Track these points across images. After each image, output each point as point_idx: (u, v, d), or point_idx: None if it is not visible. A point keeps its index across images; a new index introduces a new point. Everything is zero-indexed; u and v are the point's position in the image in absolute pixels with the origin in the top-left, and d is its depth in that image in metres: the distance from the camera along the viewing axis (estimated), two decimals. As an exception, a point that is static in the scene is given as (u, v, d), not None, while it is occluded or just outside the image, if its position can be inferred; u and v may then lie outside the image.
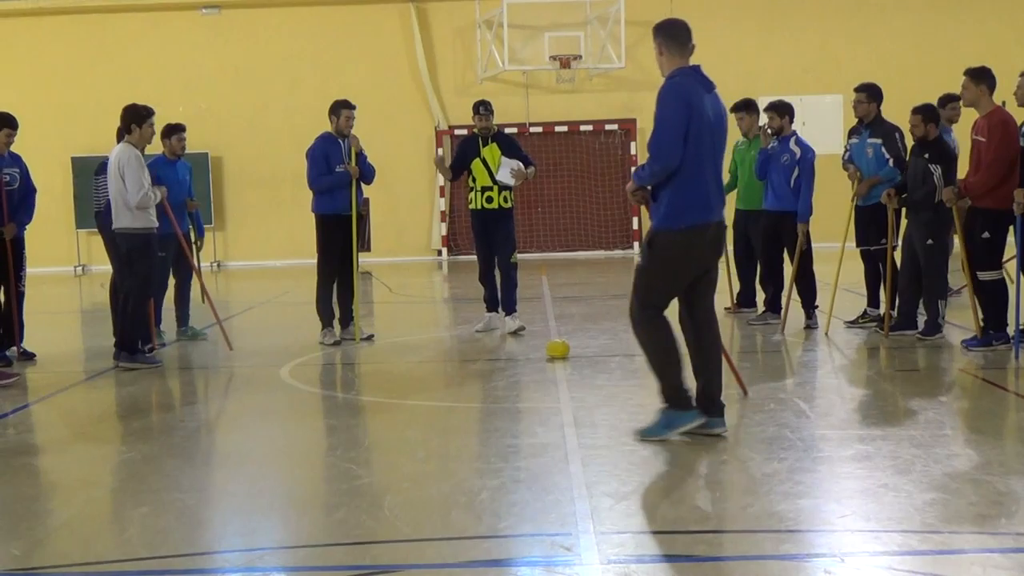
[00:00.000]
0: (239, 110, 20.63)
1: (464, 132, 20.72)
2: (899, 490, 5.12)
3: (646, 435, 6.17)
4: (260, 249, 20.73)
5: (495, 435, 6.58)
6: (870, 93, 10.10)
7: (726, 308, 11.07)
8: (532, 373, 8.55)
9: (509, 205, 10.49)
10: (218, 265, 20.72)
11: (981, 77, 8.80)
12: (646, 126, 20.79)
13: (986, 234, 8.71)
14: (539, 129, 20.68)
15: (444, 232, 20.91)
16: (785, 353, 9.39)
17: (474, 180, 10.46)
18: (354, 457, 6.17)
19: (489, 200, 10.39)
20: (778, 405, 7.09)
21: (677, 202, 5.99)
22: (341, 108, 10.08)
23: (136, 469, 6.05)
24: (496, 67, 20.12)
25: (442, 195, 20.79)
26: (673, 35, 6.10)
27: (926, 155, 9.22)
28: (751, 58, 20.67)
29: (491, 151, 10.38)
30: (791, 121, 10.58)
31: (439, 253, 20.99)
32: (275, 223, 20.44)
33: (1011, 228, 8.63)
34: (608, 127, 20.82)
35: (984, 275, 8.76)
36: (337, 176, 9.92)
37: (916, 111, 9.37)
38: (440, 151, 10.50)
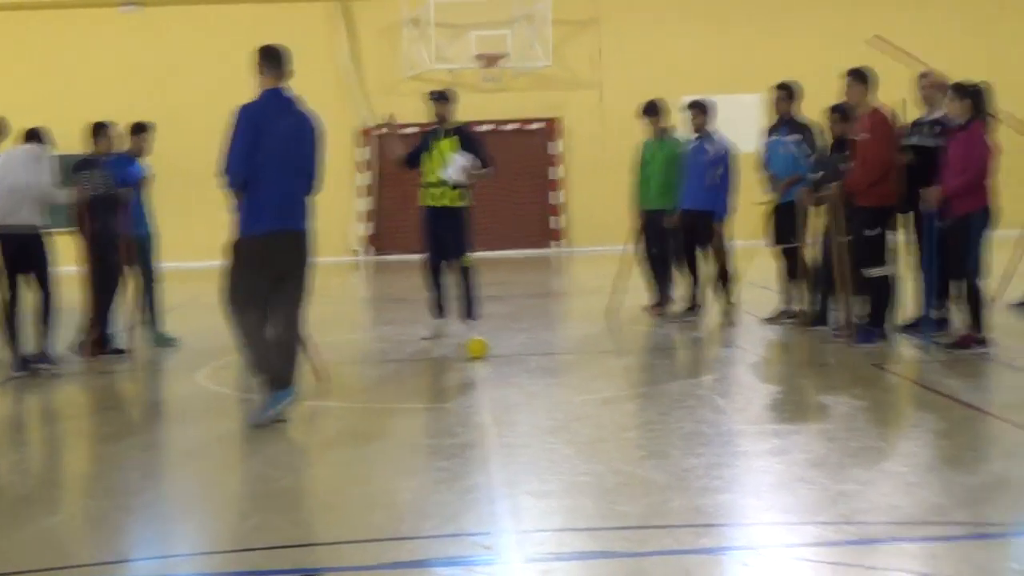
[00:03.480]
0: (161, 110, 20.29)
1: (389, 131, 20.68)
2: (814, 483, 5.20)
3: (254, 421, 6.57)
4: (184, 250, 20.41)
5: (414, 435, 6.57)
6: (789, 91, 10.27)
7: (644, 307, 11.11)
8: (451, 373, 8.54)
9: (462, 204, 9.97)
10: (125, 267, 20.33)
11: (863, 77, 8.99)
12: (572, 125, 21.06)
13: (871, 231, 8.86)
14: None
15: (364, 232, 20.79)
16: (703, 350, 9.49)
17: (425, 175, 10.01)
18: (272, 460, 6.10)
19: (441, 196, 9.93)
20: (696, 401, 7.16)
21: (249, 212, 6.61)
22: None
23: (48, 476, 5.93)
24: (422, 66, 20.06)
25: (368, 194, 20.68)
26: (271, 58, 6.75)
27: (844, 153, 9.37)
28: (673, 57, 20.81)
29: (447, 145, 9.87)
30: (712, 119, 10.70)
31: (356, 253, 20.87)
32: (200, 224, 20.12)
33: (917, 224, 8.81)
34: (533, 126, 20.85)
35: (873, 271, 8.90)
36: None
37: (833, 110, 9.53)
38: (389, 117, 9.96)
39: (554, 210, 20.79)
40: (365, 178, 20.81)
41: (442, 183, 9.91)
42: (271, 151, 6.55)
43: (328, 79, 20.67)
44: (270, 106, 6.66)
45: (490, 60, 19.93)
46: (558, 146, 20.91)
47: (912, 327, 9.41)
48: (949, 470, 5.40)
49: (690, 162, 10.65)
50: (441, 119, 10.04)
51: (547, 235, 21.04)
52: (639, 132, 19.98)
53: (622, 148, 20.63)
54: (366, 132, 20.63)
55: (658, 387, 7.90)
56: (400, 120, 20.13)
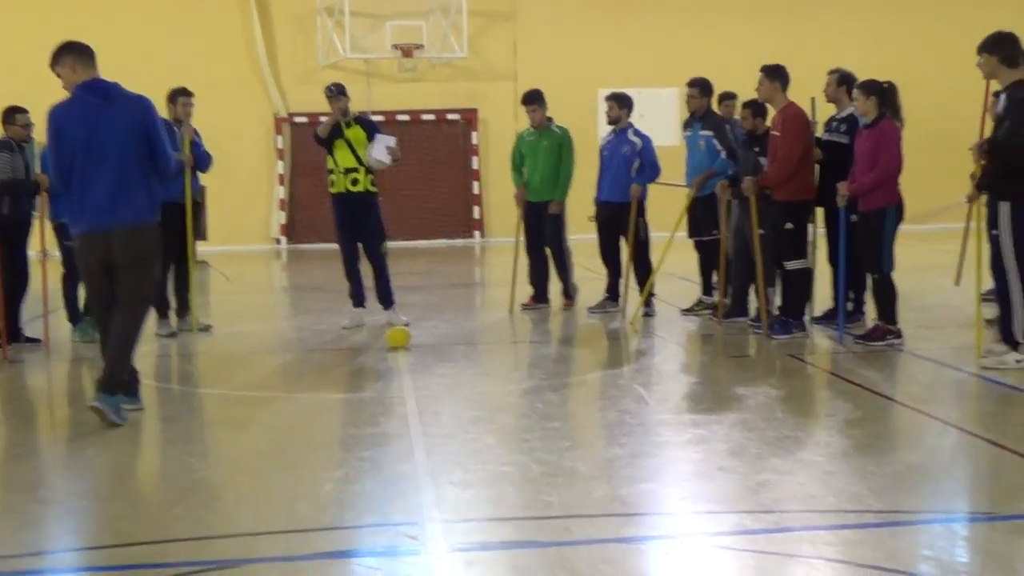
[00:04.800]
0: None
1: (305, 120, 20.47)
2: (734, 472, 5.30)
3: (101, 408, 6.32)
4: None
5: (337, 425, 6.53)
6: (702, 88, 10.41)
7: (523, 303, 10.97)
8: (374, 362, 8.50)
9: (375, 190, 9.98)
10: (45, 254, 19.88)
11: (775, 74, 9.16)
12: (488, 116, 21.07)
13: (789, 225, 9.03)
14: (381, 118, 20.32)
15: (284, 220, 20.59)
16: (624, 340, 9.57)
17: (336, 163, 9.95)
18: (192, 451, 6.04)
19: (355, 183, 9.85)
20: (618, 391, 7.24)
21: (70, 213, 6.67)
22: (179, 96, 9.81)
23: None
24: (337, 55, 19.88)
25: (281, 183, 20.47)
26: (76, 52, 6.50)
27: (756, 148, 9.52)
28: (590, 50, 20.90)
29: (355, 132, 9.91)
30: (630, 113, 10.78)
31: (278, 242, 20.66)
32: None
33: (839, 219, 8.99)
34: (450, 116, 20.81)
35: (791, 264, 9.07)
36: None
37: (746, 105, 9.68)
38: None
39: (476, 200, 20.79)
40: (282, 167, 20.57)
41: (356, 169, 9.90)
42: (79, 150, 6.35)
43: (242, 68, 20.41)
44: (75, 104, 6.43)
45: (406, 50, 19.83)
46: (477, 137, 20.89)
47: (824, 319, 9.63)
48: (864, 459, 5.51)
49: (608, 154, 10.71)
50: (344, 112, 10.01)
51: (469, 225, 21.02)
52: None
53: (538, 140, 20.87)
54: (281, 121, 20.40)
55: (580, 377, 7.97)
56: (314, 109, 20.13)
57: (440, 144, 20.83)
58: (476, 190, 20.89)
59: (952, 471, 5.46)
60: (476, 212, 20.94)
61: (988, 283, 10.39)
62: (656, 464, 5.55)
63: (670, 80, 20.61)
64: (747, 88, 10.20)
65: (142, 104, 6.52)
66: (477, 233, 20.91)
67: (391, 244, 10.23)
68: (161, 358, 9.04)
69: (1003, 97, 7.47)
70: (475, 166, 20.87)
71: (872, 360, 8.08)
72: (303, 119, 20.38)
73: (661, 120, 20.17)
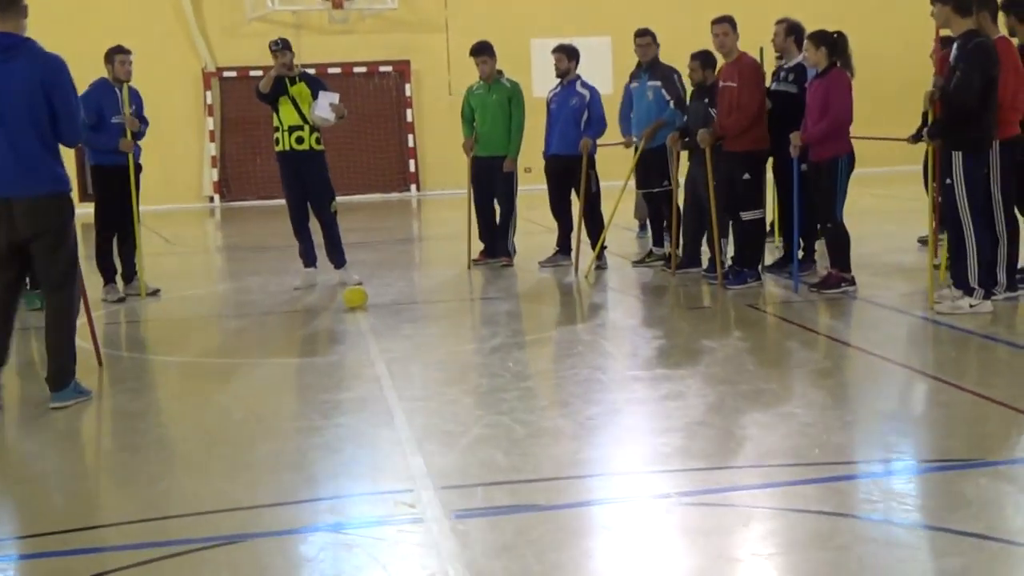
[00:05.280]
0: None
1: (234, 74, 20.07)
2: (716, 427, 5.36)
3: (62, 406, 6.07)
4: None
5: (309, 391, 6.45)
6: (653, 36, 10.36)
7: (473, 258, 10.90)
8: (333, 324, 8.43)
9: (321, 147, 9.84)
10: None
11: (732, 24, 9.18)
12: (420, 67, 20.84)
13: (747, 175, 9.10)
14: (311, 71, 20.04)
15: (216, 178, 20.23)
16: (581, 294, 9.58)
17: (280, 120, 9.79)
18: (165, 422, 5.95)
19: (300, 141, 9.71)
20: (584, 347, 7.26)
21: None
22: (115, 54, 9.54)
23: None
24: (265, 7, 19.47)
25: (212, 140, 20.08)
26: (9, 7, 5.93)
27: (706, 99, 9.54)
28: (524, 0, 20.72)
29: (299, 89, 9.77)
30: (577, 64, 10.74)
31: (211, 200, 20.30)
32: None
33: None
34: (382, 69, 20.54)
35: (747, 215, 9.15)
36: (113, 130, 9.40)
37: (694, 57, 9.67)
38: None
39: (411, 153, 20.61)
40: (210, 123, 20.16)
41: (300, 127, 9.75)
42: None
43: (168, 21, 19.87)
44: None
45: (337, 2, 19.49)
46: (411, 89, 20.66)
47: (775, 267, 9.76)
48: (840, 409, 5.61)
49: (557, 107, 10.66)
50: (289, 67, 9.84)
51: (405, 179, 20.83)
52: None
53: (470, 91, 20.68)
54: (209, 76, 19.97)
55: (545, 334, 7.97)
56: (244, 63, 19.73)
57: (373, 97, 20.56)
58: (411, 143, 20.70)
59: (926, 419, 5.58)
60: (412, 165, 20.77)
61: (923, 230, 10.66)
62: (637, 422, 5.58)
63: (602, 29, 20.57)
64: (680, 35, 10.29)
65: (48, 62, 5.91)
66: (413, 187, 20.75)
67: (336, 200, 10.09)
68: (112, 325, 8.86)
69: (955, 46, 7.56)
70: (409, 119, 20.66)
71: (829, 308, 8.21)
72: (232, 73, 19.99)
73: (594, 70, 20.11)
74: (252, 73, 20.11)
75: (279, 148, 9.93)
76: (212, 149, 20.08)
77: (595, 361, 6.82)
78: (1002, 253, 7.87)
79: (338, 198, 10.16)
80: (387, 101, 20.76)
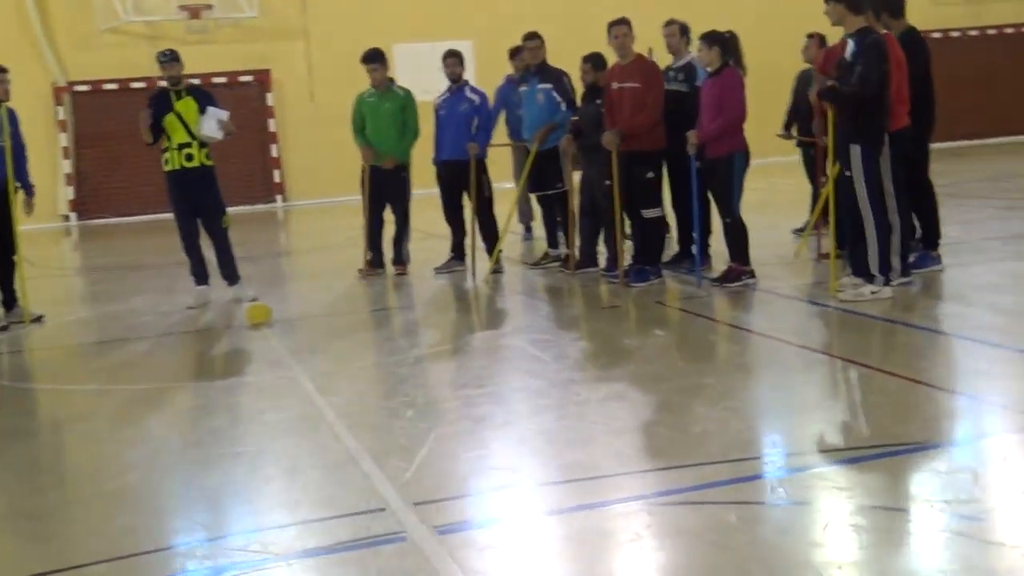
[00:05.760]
0: None
1: (87, 88, 19.36)
2: (670, 426, 5.40)
3: None
4: None
5: (242, 413, 6.25)
6: (542, 40, 10.41)
7: (359, 270, 10.76)
8: (242, 342, 8.19)
9: (211, 162, 9.60)
10: None
11: (629, 26, 9.29)
12: (281, 76, 20.46)
13: (651, 174, 9.23)
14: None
15: (72, 196, 19.45)
16: (486, 299, 9.54)
17: (169, 138, 9.48)
18: (105, 453, 5.66)
19: (189, 158, 9.45)
20: (511, 353, 7.24)
21: None
22: None
23: None
24: (117, 18, 18.83)
25: (66, 156, 19.30)
26: None
27: (598, 101, 9.61)
28: (381, 4, 20.56)
29: (186, 105, 9.48)
30: (465, 69, 10.73)
31: (66, 219, 19.53)
32: None
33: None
34: (242, 79, 20.09)
35: (648, 213, 9.28)
36: None
37: (586, 59, 9.75)
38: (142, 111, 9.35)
39: (275, 163, 20.23)
40: (66, 139, 19.39)
41: (189, 144, 9.48)
42: None
43: (12, 35, 19.00)
44: None
45: (194, 11, 18.99)
46: (272, 99, 20.27)
47: (671, 264, 9.92)
48: (780, 402, 5.74)
49: (447, 113, 10.60)
50: (175, 80, 9.58)
51: (270, 189, 20.42)
52: (349, 82, 19.75)
53: (332, 100, 20.33)
54: (61, 90, 19.20)
55: (463, 341, 7.90)
56: (97, 76, 19.04)
57: (234, 107, 19.79)
58: (275, 153, 20.33)
59: (865, 405, 5.73)
60: (276, 175, 20.39)
61: (800, 222, 11.01)
62: (589, 425, 5.56)
63: (464, 33, 20.55)
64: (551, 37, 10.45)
65: None
66: (279, 197, 20.38)
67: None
68: (5, 355, 8.42)
69: (850, 43, 7.80)
70: (272, 128, 20.28)
71: (737, 301, 8.39)
72: (85, 87, 19.30)
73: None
74: (106, 87, 19.49)
75: (168, 168, 9.65)
76: (67, 166, 19.32)
77: (526, 366, 6.79)
78: (895, 241, 8.17)
79: None
80: (248, 111, 20.23)
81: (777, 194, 14.98)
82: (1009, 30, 23.28)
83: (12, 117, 9.24)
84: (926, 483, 4.45)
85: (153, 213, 18.91)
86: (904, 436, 5.01)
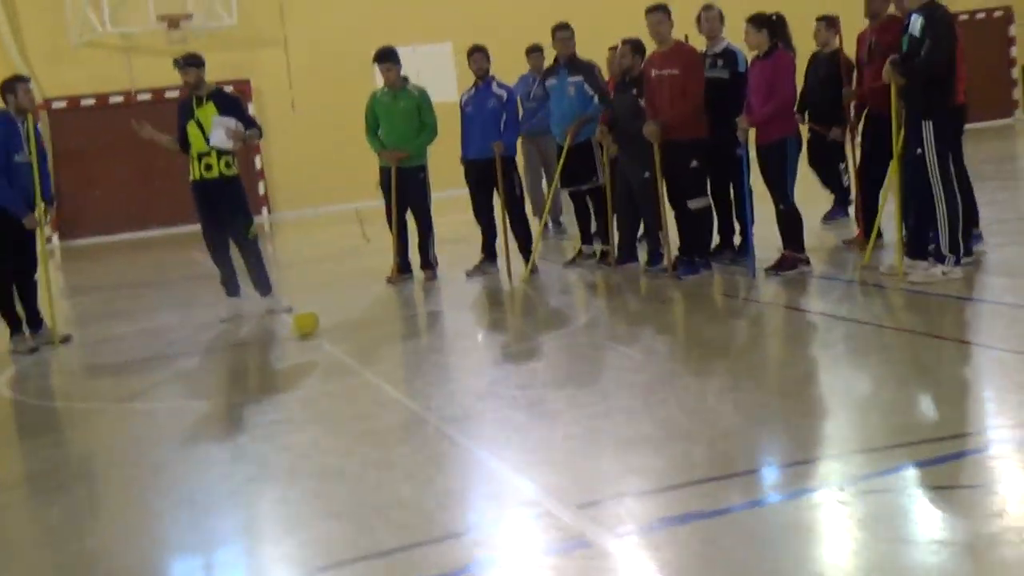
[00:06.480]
0: None
1: (63, 104, 18.84)
2: (807, 415, 5.16)
3: None
4: None
5: (343, 423, 5.84)
6: (572, 31, 10.15)
7: (387, 277, 10.40)
8: (301, 354, 7.78)
9: (233, 172, 9.22)
10: None
11: (668, 12, 9.05)
12: (261, 85, 20.06)
13: (695, 163, 9.01)
14: (148, 96, 19.11)
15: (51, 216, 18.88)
16: (528, 300, 9.25)
17: (190, 146, 9.15)
18: (220, 475, 5.31)
19: (208, 168, 9.09)
20: (593, 350, 6.98)
21: None
22: (16, 83, 8.74)
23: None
24: (93, 31, 18.33)
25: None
26: None
27: (634, 90, 9.37)
28: (360, 8, 20.24)
29: (206, 112, 9.07)
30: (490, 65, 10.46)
31: (48, 240, 18.92)
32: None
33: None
34: (224, 89, 19.59)
35: (694, 203, 9.06)
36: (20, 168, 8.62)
37: (625, 42, 9.45)
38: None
39: (259, 175, 19.82)
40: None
41: (208, 153, 9.14)
42: None
43: (-17, 51, 18.48)
44: None
45: (172, 21, 18.54)
46: (252, 108, 19.84)
47: (714, 256, 9.66)
48: (931, 388, 5.53)
49: (474, 110, 10.29)
50: (194, 86, 9.22)
51: (255, 201, 19.95)
52: (330, 90, 19.43)
53: (314, 108, 20.03)
54: (37, 107, 18.63)
55: (535, 341, 7.57)
56: (74, 92, 18.53)
57: (216, 119, 19.60)
58: (259, 164, 19.91)
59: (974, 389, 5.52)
60: (261, 188, 19.97)
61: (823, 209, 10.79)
62: (720, 417, 5.29)
63: (443, 36, 20.32)
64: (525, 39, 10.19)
65: None
66: (264, 209, 19.96)
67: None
68: (57, 374, 8.02)
69: (914, 17, 7.62)
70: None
71: (800, 289, 8.17)
72: (61, 104, 18.78)
73: (438, 77, 19.85)
74: (83, 103, 18.98)
75: (191, 177, 9.31)
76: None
77: (617, 362, 6.56)
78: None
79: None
80: (230, 122, 19.86)
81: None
82: (973, 15, 23.27)
83: (36, 129, 8.84)
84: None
85: (138, 231, 18.51)
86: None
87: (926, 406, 5.20)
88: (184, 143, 9.25)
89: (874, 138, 9.00)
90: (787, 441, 4.83)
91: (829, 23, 10.24)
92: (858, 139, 9.45)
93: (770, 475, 4.48)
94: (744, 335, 7.02)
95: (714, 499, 4.19)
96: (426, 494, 4.56)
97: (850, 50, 9.44)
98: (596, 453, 4.88)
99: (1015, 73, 23.77)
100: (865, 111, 9.13)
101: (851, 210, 10.93)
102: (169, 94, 19.17)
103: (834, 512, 3.99)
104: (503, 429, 5.39)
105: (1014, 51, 23.78)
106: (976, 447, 4.52)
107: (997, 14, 23.24)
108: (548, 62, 11.01)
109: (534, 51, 12.19)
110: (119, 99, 18.66)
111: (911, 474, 4.27)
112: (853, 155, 9.53)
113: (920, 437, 4.64)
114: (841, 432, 4.89)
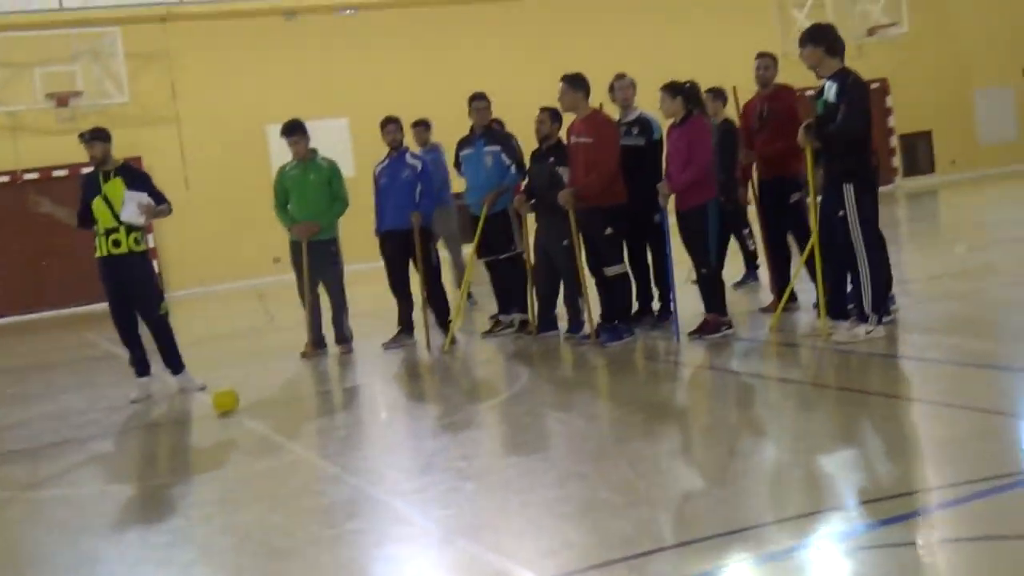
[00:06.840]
0: None
1: (-54, 183, 18.19)
2: (771, 473, 5.12)
3: None
4: None
5: (285, 501, 5.57)
6: (488, 101, 10.17)
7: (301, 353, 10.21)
8: (223, 431, 7.52)
9: (142, 248, 8.94)
10: None
11: (578, 83, 9.10)
12: (153, 163, 19.65)
13: (610, 230, 9.02)
14: (35, 175, 18.56)
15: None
16: (452, 370, 9.11)
17: (96, 222, 8.84)
18: (193, 558, 5.01)
19: (116, 244, 8.77)
20: (532, 419, 6.84)
21: None
22: None
23: None
24: (-25, 110, 17.81)
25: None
26: None
27: (551, 159, 9.39)
28: (251, 85, 20.10)
29: (113, 187, 8.80)
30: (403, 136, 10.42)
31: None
32: None
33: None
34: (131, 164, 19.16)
35: (611, 270, 9.05)
36: None
37: (544, 110, 9.47)
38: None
39: (153, 254, 19.33)
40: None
41: (116, 229, 8.83)
42: None
43: None
44: None
45: (61, 99, 18.10)
46: (145, 186, 19.42)
47: (636, 320, 9.66)
48: (876, 447, 5.54)
49: (388, 180, 10.22)
50: (101, 160, 8.97)
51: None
52: (223, 166, 19.17)
53: (206, 184, 19.71)
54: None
55: (468, 410, 7.39)
56: None
57: (105, 198, 19.11)
58: (152, 242, 19.41)
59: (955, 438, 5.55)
60: (156, 265, 19.47)
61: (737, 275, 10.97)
62: (679, 480, 5.24)
63: (338, 111, 20.28)
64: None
65: None
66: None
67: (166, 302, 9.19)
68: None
69: (828, 84, 7.81)
70: (147, 218, 19.39)
71: (727, 351, 8.17)
72: (-56, 183, 18.13)
73: (335, 152, 19.70)
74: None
75: (97, 254, 8.95)
76: (-72, 269, 18.03)
77: (560, 428, 6.44)
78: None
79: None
80: (119, 201, 19.40)
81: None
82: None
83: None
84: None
85: (27, 313, 17.85)
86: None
87: (880, 464, 5.18)
88: (86, 218, 8.93)
89: (771, 203, 9.24)
90: (749, 502, 4.77)
91: (716, 94, 10.45)
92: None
93: (741, 538, 4.39)
94: (683, 398, 6.99)
95: (688, 565, 4.10)
96: (388, 572, 4.37)
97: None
98: (558, 521, 4.73)
99: (893, 142, 24.74)
100: (756, 178, 9.39)
101: (758, 274, 11.17)
102: (57, 173, 18.79)
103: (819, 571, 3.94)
104: (455, 500, 5.21)
105: (891, 120, 24.76)
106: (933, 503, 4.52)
107: (875, 85, 24.18)
108: (443, 135, 11.02)
109: (419, 124, 12.27)
110: (5, 179, 18.09)
111: (880, 533, 4.24)
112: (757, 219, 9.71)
113: (876, 495, 4.63)
114: (807, 491, 4.84)
